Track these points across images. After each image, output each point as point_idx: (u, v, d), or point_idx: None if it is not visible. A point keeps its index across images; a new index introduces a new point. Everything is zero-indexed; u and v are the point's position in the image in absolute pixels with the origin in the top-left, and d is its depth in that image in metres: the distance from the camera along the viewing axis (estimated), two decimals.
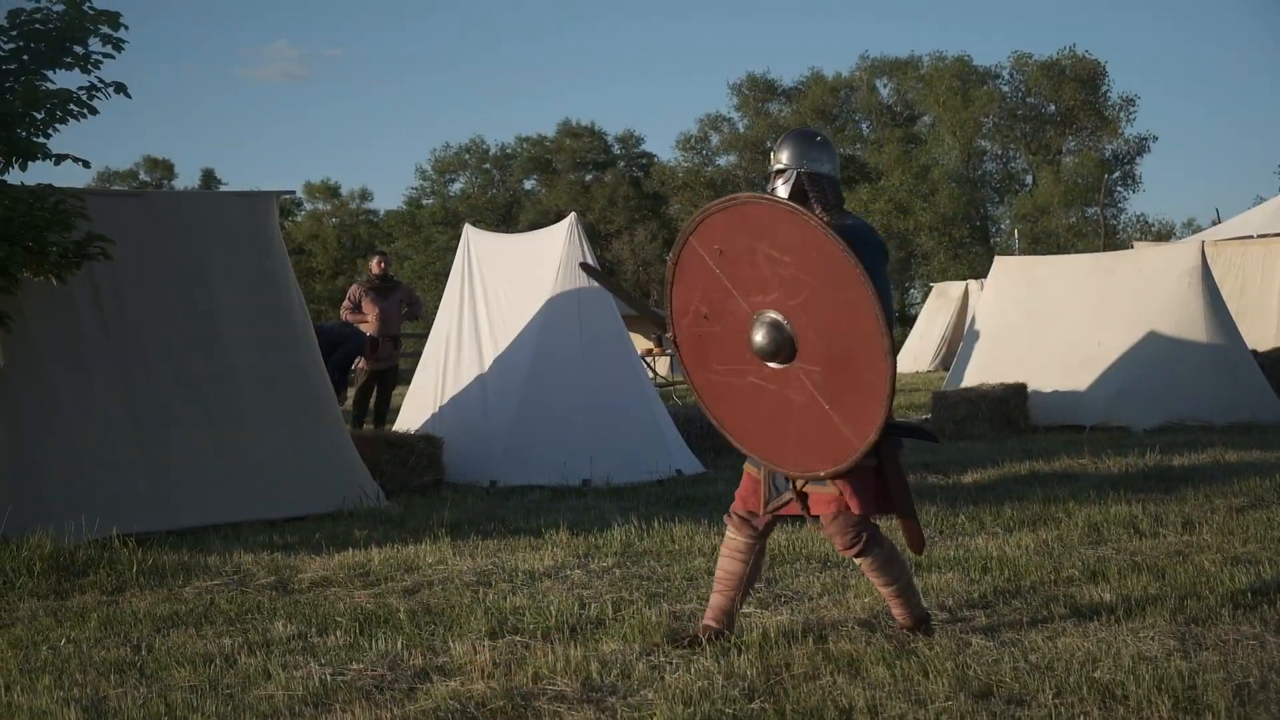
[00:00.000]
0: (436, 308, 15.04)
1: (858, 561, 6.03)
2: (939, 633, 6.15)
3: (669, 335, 6.24)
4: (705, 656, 5.83)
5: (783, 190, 6.13)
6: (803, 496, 5.96)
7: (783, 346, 5.71)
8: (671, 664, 5.76)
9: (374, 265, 16.22)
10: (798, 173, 6.13)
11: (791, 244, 5.63)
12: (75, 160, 9.88)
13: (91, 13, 9.50)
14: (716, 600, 6.24)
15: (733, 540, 6.22)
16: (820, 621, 6.46)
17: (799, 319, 5.66)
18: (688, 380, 6.23)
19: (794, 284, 5.65)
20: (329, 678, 5.71)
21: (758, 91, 66.63)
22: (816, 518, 5.97)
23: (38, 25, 9.42)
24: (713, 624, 6.19)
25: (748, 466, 6.21)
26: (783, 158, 6.18)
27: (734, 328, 5.88)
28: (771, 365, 5.78)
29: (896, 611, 6.14)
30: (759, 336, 5.76)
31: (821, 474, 5.75)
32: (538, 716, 5.14)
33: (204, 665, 6.01)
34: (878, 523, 6.11)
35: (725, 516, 6.30)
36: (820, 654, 5.83)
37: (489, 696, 5.35)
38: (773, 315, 5.73)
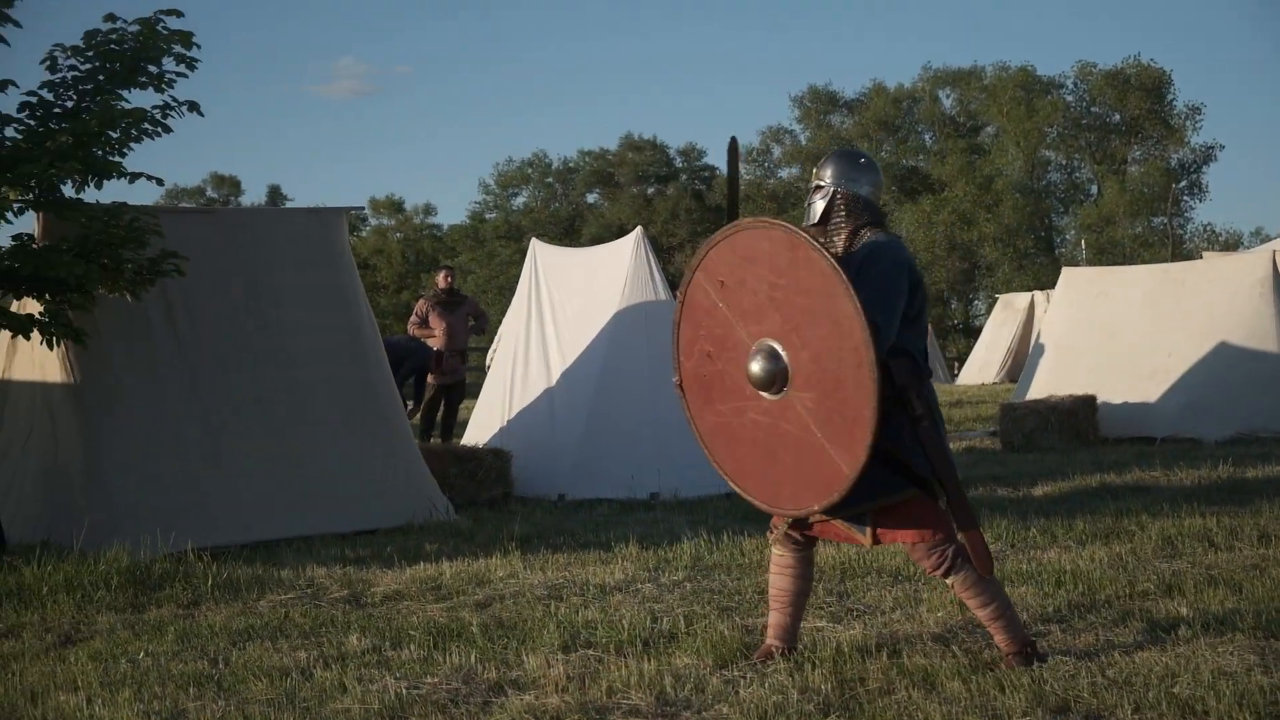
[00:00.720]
0: (500, 321, 15.09)
1: (949, 582, 5.93)
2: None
3: (675, 380, 6.25)
4: (779, 671, 5.81)
5: (819, 205, 6.12)
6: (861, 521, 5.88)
7: (777, 376, 5.67)
8: (745, 678, 5.75)
9: (440, 280, 16.30)
10: (835, 190, 6.10)
11: (784, 263, 5.61)
12: (149, 178, 10.00)
13: (165, 32, 9.62)
14: (775, 619, 6.20)
15: (780, 557, 6.18)
16: (894, 636, 6.42)
17: (793, 343, 5.62)
18: (693, 426, 6.19)
19: (788, 306, 5.62)
20: (404, 691, 5.73)
21: (819, 103, 66.38)
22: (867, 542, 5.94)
23: (113, 45, 9.54)
24: (777, 643, 6.15)
25: None
26: (825, 175, 6.16)
27: (735, 362, 5.85)
28: (767, 397, 5.73)
29: (999, 638, 5.91)
30: (755, 367, 5.72)
31: (815, 508, 5.66)
32: None
33: (280, 678, 6.05)
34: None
35: (767, 533, 6.27)
36: (895, 668, 5.79)
37: (564, 710, 5.35)
38: (770, 344, 5.69)
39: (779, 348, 5.66)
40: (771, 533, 6.19)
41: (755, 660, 6.06)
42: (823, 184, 6.16)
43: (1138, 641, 6.19)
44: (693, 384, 6.12)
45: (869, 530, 5.85)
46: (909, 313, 5.82)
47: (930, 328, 42.92)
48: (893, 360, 5.67)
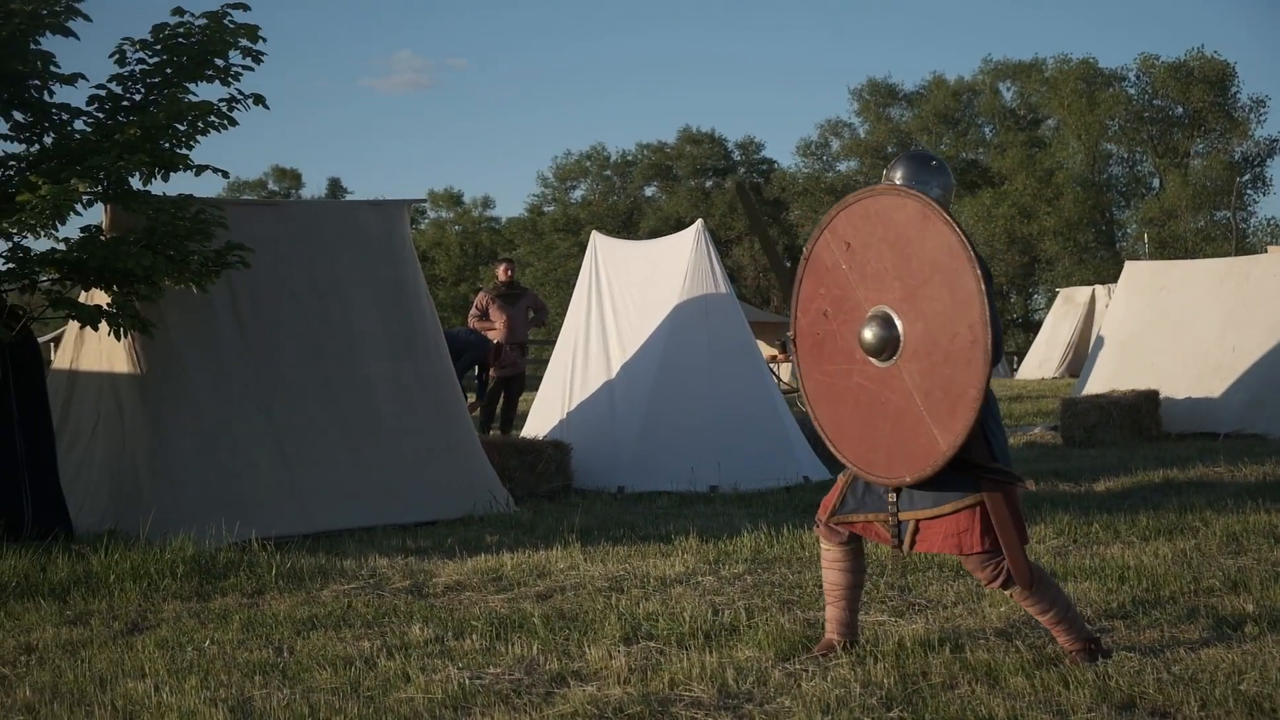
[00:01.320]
0: (558, 314, 15.11)
1: (1008, 593, 5.85)
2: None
3: (789, 335, 6.24)
4: (842, 665, 5.79)
5: None
6: (899, 526, 5.84)
7: (889, 344, 5.67)
8: (808, 672, 5.72)
9: (501, 272, 16.33)
10: None
11: (913, 234, 5.62)
12: (215, 170, 10.09)
13: (232, 26, 9.69)
14: (832, 612, 6.15)
15: (828, 551, 6.13)
16: (956, 630, 6.38)
17: (909, 314, 5.63)
18: (800, 382, 6.19)
19: (910, 276, 5.63)
20: (467, 681, 5.74)
21: (879, 96, 66.14)
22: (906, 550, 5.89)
23: (180, 39, 9.63)
24: (836, 636, 6.11)
25: (840, 475, 6.15)
26: (895, 177, 6.10)
27: (849, 325, 5.85)
28: (876, 363, 5.74)
29: (1062, 640, 5.84)
30: (868, 332, 5.73)
31: (907, 480, 5.65)
32: None
33: (344, 667, 6.08)
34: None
35: (815, 527, 6.24)
36: (958, 663, 5.75)
37: (626, 702, 5.35)
38: (885, 310, 5.70)
39: (894, 315, 5.67)
40: (817, 527, 6.17)
41: (816, 654, 6.03)
42: (894, 185, 6.10)
43: (1203, 638, 6.12)
44: (806, 340, 6.11)
45: (908, 539, 5.81)
46: None
47: None
48: None
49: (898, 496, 5.80)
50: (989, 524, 5.68)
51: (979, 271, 5.38)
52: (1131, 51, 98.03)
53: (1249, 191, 57.34)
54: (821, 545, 6.17)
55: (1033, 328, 49.84)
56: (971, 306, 5.40)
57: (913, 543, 5.83)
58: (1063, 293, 36.53)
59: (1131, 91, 58.14)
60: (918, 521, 5.79)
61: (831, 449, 6.03)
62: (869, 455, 5.82)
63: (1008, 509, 5.67)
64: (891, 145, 63.45)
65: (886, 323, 5.69)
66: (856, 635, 6.16)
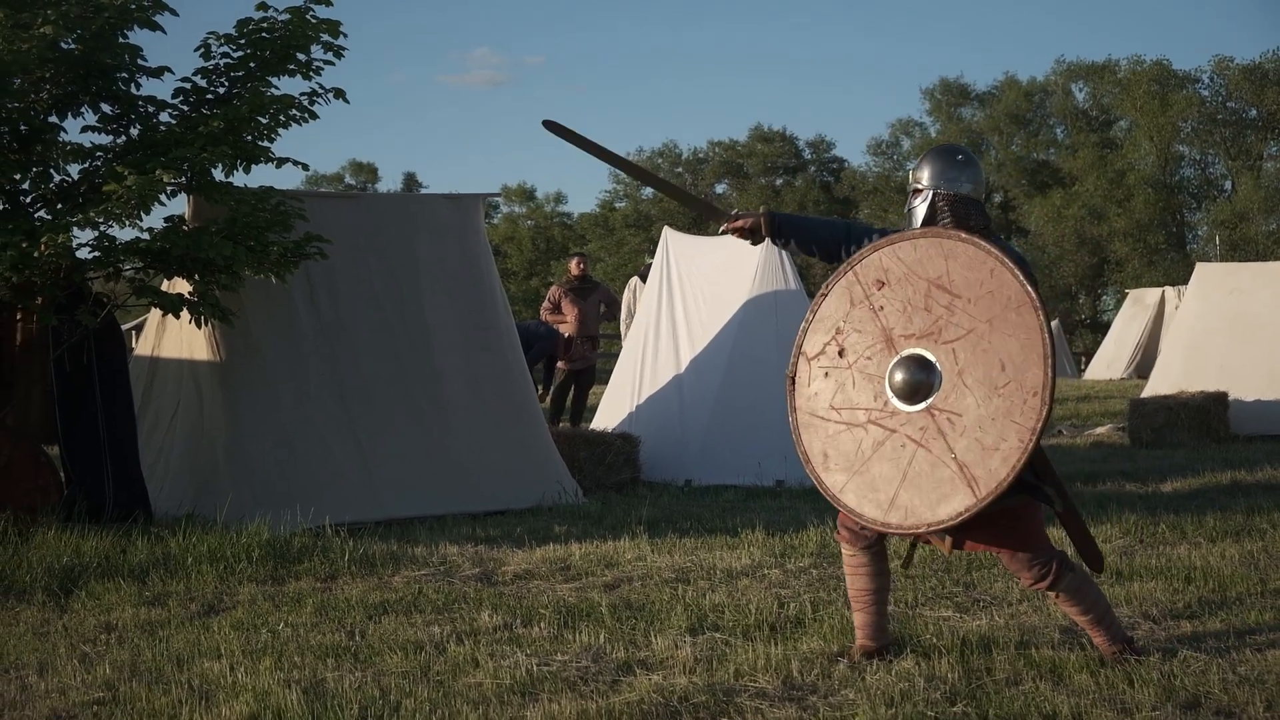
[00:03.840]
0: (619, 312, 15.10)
1: (1051, 595, 5.78)
2: (1144, 641, 5.98)
3: (787, 373, 5.86)
4: (905, 659, 5.77)
5: (920, 210, 5.85)
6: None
7: (921, 388, 5.42)
8: (872, 666, 5.70)
9: (573, 267, 16.38)
10: (934, 193, 5.84)
11: (963, 275, 5.41)
12: (295, 163, 10.19)
13: (314, 21, 9.77)
14: (861, 619, 5.95)
15: (851, 556, 5.93)
16: (1021, 627, 6.34)
17: (950, 359, 5.38)
18: (791, 417, 5.81)
19: (957, 319, 5.40)
20: (535, 668, 5.76)
21: (950, 96, 65.70)
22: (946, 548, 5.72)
23: (264, 33, 9.71)
24: (869, 643, 5.91)
25: None
26: (922, 177, 5.89)
27: (868, 366, 5.60)
28: (903, 408, 5.48)
29: (1098, 640, 5.74)
30: (900, 374, 5.47)
31: (929, 526, 5.38)
32: (740, 713, 5.13)
33: (415, 652, 6.12)
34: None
35: (835, 535, 6.10)
36: (1022, 660, 5.71)
37: (691, 691, 5.35)
38: (921, 353, 5.46)
39: (932, 358, 5.43)
40: (838, 531, 5.98)
41: (851, 660, 5.81)
42: (920, 186, 5.90)
43: (1270, 640, 6.05)
44: (808, 379, 5.79)
45: (948, 537, 5.61)
46: None
47: (1059, 321, 42.36)
48: None
49: None
50: (1040, 522, 5.63)
51: (1044, 320, 5.21)
52: (1206, 54, 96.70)
53: None
54: (844, 551, 5.96)
55: (1101, 329, 49.27)
56: (1034, 354, 5.21)
57: (957, 540, 5.65)
58: (1132, 294, 36.10)
59: (1205, 93, 57.38)
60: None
61: (824, 491, 5.69)
62: (885, 502, 5.48)
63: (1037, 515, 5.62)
64: (963, 144, 62.93)
65: (923, 366, 5.44)
66: (888, 639, 5.98)
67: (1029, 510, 5.63)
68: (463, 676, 5.70)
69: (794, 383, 5.83)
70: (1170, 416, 15.92)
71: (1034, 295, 5.29)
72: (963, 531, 5.53)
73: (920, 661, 5.72)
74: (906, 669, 5.61)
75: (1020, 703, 5.12)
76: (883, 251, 5.68)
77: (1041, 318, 5.26)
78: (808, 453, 5.74)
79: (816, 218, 6.47)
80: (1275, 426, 15.96)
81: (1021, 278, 5.32)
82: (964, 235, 5.55)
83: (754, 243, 6.28)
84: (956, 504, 5.30)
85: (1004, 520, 5.54)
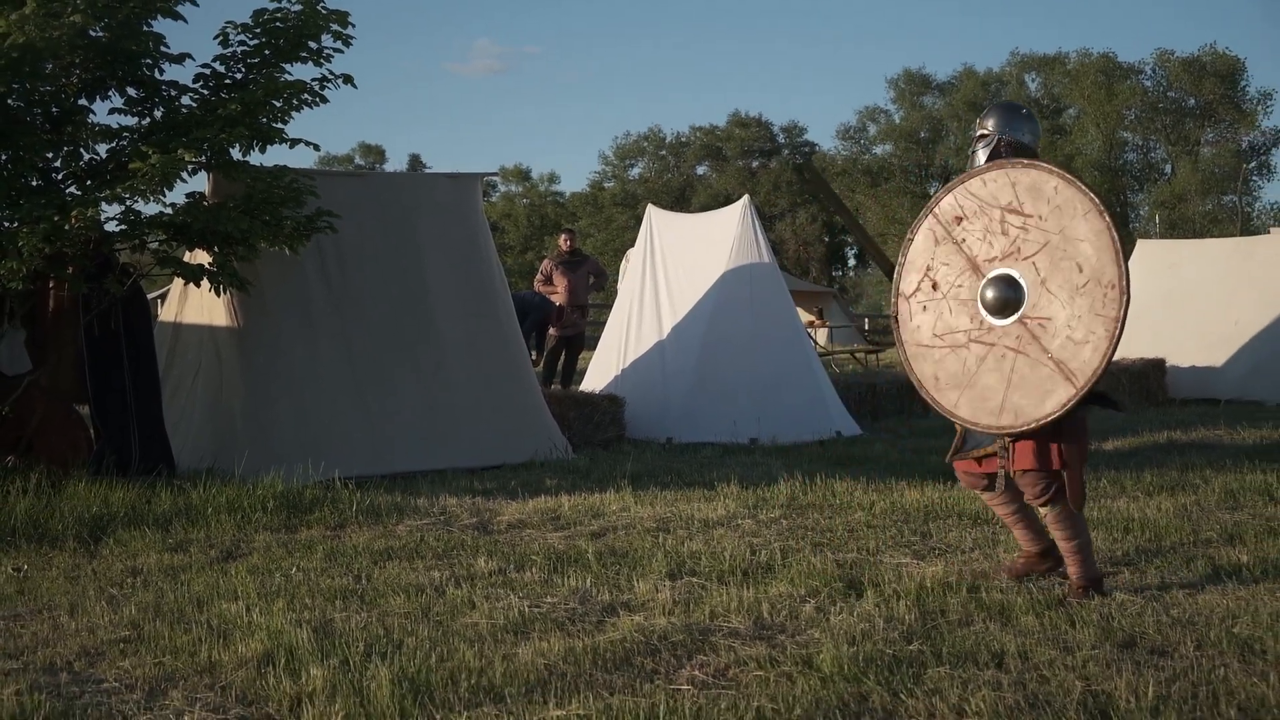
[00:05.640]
0: (616, 281, 15.07)
1: (1043, 512, 5.95)
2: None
3: (889, 313, 6.20)
4: (866, 601, 5.79)
5: (982, 154, 6.09)
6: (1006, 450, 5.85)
7: (1011, 303, 5.69)
8: (836, 607, 5.73)
9: (563, 242, 16.34)
10: (999, 138, 6.08)
11: (1031, 197, 5.64)
12: (307, 144, 10.14)
13: (325, 11, 9.71)
14: (1018, 533, 6.28)
15: (990, 498, 6.23)
16: (973, 573, 6.36)
17: (1031, 272, 5.64)
18: (901, 351, 6.14)
19: (1032, 236, 5.63)
20: (527, 609, 5.77)
21: (913, 85, 65.57)
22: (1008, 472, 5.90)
23: (278, 23, 9.65)
24: (1032, 547, 6.23)
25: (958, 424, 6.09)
26: (988, 124, 6.13)
27: (960, 293, 5.84)
28: (997, 323, 5.74)
29: (1073, 570, 5.90)
30: (990, 293, 5.74)
31: (1034, 425, 5.64)
32: (714, 650, 5.13)
33: (416, 594, 6.13)
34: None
35: (959, 480, 6.35)
36: (973, 602, 5.74)
37: (670, 630, 5.36)
38: (1006, 272, 5.71)
39: (1016, 275, 5.69)
40: (962, 478, 6.24)
41: (1010, 570, 6.20)
42: (986, 132, 6.14)
43: (1200, 584, 6.09)
44: (909, 315, 6.09)
45: (1012, 459, 5.85)
46: None
47: None
48: None
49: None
50: (1059, 443, 5.78)
51: (1110, 222, 5.45)
52: (1148, 46, 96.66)
53: (1254, 178, 56.67)
54: (984, 497, 6.28)
55: None
56: (1106, 252, 5.46)
57: (1011, 465, 5.87)
58: None
59: (1147, 84, 57.35)
60: (1013, 443, 5.83)
61: (935, 404, 6.01)
62: (988, 411, 5.79)
63: (1081, 429, 5.83)
64: (924, 131, 62.95)
65: (1009, 283, 5.70)
66: (1048, 540, 6.17)
67: (1071, 426, 5.78)
68: (460, 617, 5.71)
69: (897, 321, 6.15)
70: (1112, 381, 15.94)
71: (1097, 200, 5.49)
72: (1018, 449, 5.81)
73: (880, 604, 5.74)
74: (867, 610, 5.62)
75: (971, 641, 5.13)
76: (955, 192, 5.97)
77: (1108, 219, 5.47)
78: (920, 379, 6.06)
79: None
80: (1207, 391, 16.08)
81: (1083, 186, 5.53)
82: (1025, 161, 5.82)
83: None
84: (1060, 395, 5.57)
85: (1050, 439, 5.77)
